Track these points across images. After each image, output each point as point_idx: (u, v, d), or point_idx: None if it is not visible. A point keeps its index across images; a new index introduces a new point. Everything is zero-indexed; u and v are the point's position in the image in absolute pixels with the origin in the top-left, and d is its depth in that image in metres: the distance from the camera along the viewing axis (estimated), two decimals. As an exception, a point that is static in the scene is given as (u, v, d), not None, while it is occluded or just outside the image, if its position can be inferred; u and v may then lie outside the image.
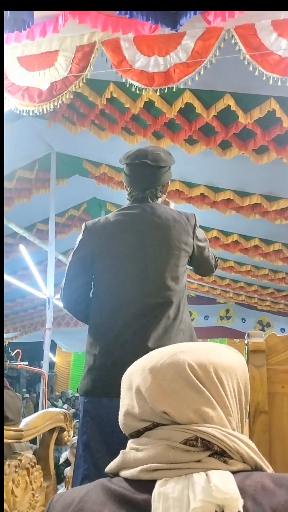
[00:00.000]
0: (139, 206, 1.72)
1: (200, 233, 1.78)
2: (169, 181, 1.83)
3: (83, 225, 1.78)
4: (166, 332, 1.58)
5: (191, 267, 1.85)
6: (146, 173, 1.72)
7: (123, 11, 2.25)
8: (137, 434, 0.72)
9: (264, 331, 9.52)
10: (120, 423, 0.75)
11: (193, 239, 1.72)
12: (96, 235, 1.71)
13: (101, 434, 1.52)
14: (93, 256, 1.70)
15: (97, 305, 1.69)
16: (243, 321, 10.03)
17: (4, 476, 1.40)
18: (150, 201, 1.74)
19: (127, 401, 0.74)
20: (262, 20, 2.37)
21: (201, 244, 1.77)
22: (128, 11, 2.24)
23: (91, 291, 1.75)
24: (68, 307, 1.78)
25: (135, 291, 1.62)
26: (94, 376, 1.58)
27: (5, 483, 1.40)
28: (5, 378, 1.78)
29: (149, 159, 1.70)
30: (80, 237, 1.75)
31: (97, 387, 1.56)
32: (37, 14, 2.41)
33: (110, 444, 1.47)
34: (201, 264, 1.82)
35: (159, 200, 1.78)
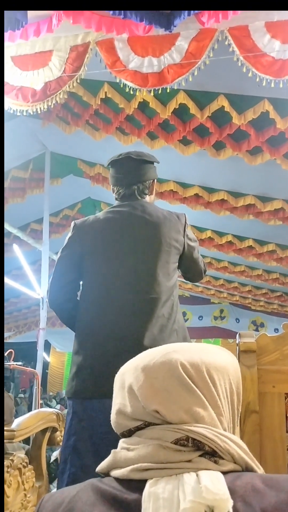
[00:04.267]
0: (129, 204, 1.73)
1: (190, 233, 1.78)
2: (155, 180, 1.83)
3: (73, 223, 1.77)
4: (160, 331, 1.56)
5: (180, 271, 1.83)
6: (130, 168, 1.73)
7: (117, 12, 2.25)
8: (129, 433, 0.72)
9: (258, 331, 9.56)
10: (112, 422, 0.75)
11: (184, 237, 1.72)
12: (86, 232, 1.71)
13: (91, 436, 1.49)
14: (82, 253, 1.69)
15: (87, 303, 1.67)
16: (237, 321, 10.06)
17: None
18: (139, 198, 1.74)
19: (119, 400, 0.74)
20: (256, 22, 2.38)
21: (191, 243, 1.77)
22: (122, 12, 2.24)
23: (79, 292, 1.74)
24: (53, 305, 1.76)
25: (126, 287, 1.60)
26: (84, 376, 1.55)
27: (-4, 483, 1.39)
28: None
29: (133, 154, 1.73)
30: (69, 234, 1.75)
31: (88, 388, 1.53)
32: (31, 14, 2.40)
33: (100, 446, 1.45)
34: (191, 266, 1.81)
35: (147, 199, 1.79)
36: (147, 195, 1.78)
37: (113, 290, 1.62)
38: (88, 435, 1.50)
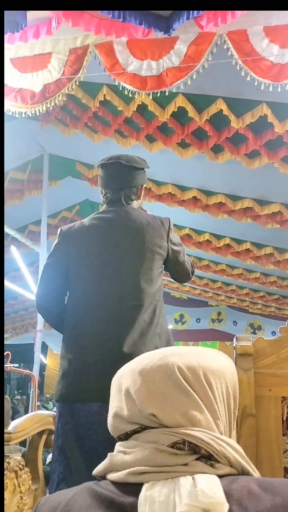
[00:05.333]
0: (114, 210, 1.74)
1: (174, 237, 1.79)
2: (143, 186, 1.84)
3: (59, 229, 1.79)
4: (141, 336, 1.56)
5: (167, 272, 1.85)
6: (120, 173, 1.74)
7: (116, 15, 2.26)
8: (125, 436, 0.72)
9: (255, 334, 9.57)
10: (108, 425, 0.75)
11: (168, 243, 1.73)
12: (71, 239, 1.73)
13: (75, 438, 1.51)
14: (68, 260, 1.71)
15: (72, 308, 1.69)
16: (235, 324, 10.07)
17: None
18: (125, 204, 1.75)
19: (116, 403, 0.74)
20: (254, 26, 2.40)
21: (175, 248, 1.77)
22: (121, 15, 2.25)
23: (66, 297, 1.75)
24: (40, 309, 1.78)
25: (109, 294, 1.62)
26: (69, 380, 1.57)
27: (-8, 486, 1.39)
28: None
29: (123, 160, 1.73)
30: (55, 241, 1.77)
31: (71, 392, 1.55)
32: (30, 16, 2.41)
33: (84, 448, 1.47)
34: (176, 269, 1.83)
35: (135, 205, 1.79)
36: (134, 201, 1.79)
37: (96, 297, 1.63)
38: (74, 437, 1.52)
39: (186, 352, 0.74)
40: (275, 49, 2.38)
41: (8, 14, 2.24)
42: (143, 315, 1.60)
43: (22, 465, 1.58)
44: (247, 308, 9.44)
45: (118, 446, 0.72)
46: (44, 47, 2.73)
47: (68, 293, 1.74)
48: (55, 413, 1.81)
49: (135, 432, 0.71)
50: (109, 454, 0.71)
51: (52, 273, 1.73)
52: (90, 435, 1.46)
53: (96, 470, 0.71)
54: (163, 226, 1.74)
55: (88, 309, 1.63)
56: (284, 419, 1.36)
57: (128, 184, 1.75)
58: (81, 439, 1.49)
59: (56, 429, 1.60)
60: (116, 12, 2.26)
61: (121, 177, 1.75)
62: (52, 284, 1.73)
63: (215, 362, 0.74)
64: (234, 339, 1.46)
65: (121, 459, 0.68)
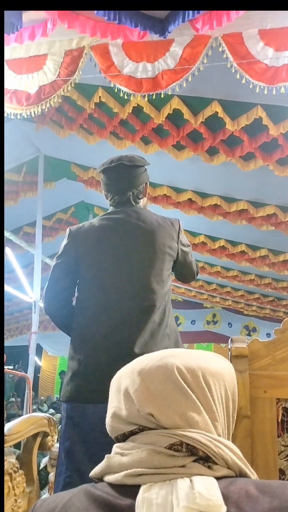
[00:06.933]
0: (123, 210, 1.73)
1: (184, 238, 1.79)
2: (148, 183, 1.84)
3: (68, 229, 1.78)
4: (152, 336, 1.57)
5: (173, 273, 1.85)
6: (124, 174, 1.74)
7: (111, 17, 2.26)
8: (123, 437, 0.72)
9: (250, 336, 9.59)
10: (107, 426, 0.75)
11: (178, 244, 1.73)
12: (81, 239, 1.71)
13: (84, 440, 1.50)
14: (77, 260, 1.69)
15: (82, 309, 1.67)
16: (230, 325, 10.08)
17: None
18: (134, 204, 1.75)
19: (115, 403, 0.74)
20: (249, 29, 2.41)
21: (185, 249, 1.78)
22: (117, 17, 2.26)
23: (74, 297, 1.74)
24: (48, 311, 1.76)
25: (120, 295, 1.61)
26: (79, 381, 1.56)
27: (-14, 489, 1.38)
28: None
29: (125, 160, 1.73)
30: (64, 241, 1.75)
31: (82, 393, 1.54)
32: (26, 18, 2.41)
33: (93, 451, 1.45)
34: (184, 270, 1.83)
35: (141, 203, 1.79)
36: (141, 199, 1.79)
37: (107, 298, 1.62)
38: (82, 440, 1.51)
39: (186, 354, 0.75)
40: (270, 52, 2.39)
41: (4, 16, 2.24)
42: (154, 315, 1.60)
43: (17, 467, 1.57)
44: (242, 310, 9.45)
45: (116, 447, 0.72)
46: (40, 48, 2.72)
47: (77, 294, 1.73)
48: (51, 416, 1.80)
49: (132, 433, 0.71)
50: (106, 455, 0.71)
51: (61, 274, 1.72)
52: (99, 438, 1.44)
53: (93, 472, 0.71)
54: (174, 227, 1.74)
55: (99, 310, 1.61)
56: (279, 420, 1.36)
57: (134, 184, 1.75)
58: (91, 442, 1.48)
59: (63, 432, 1.58)
60: (112, 14, 2.26)
61: (127, 178, 1.74)
62: (61, 285, 1.72)
63: (214, 364, 0.74)
64: (229, 341, 1.46)
65: (119, 460, 0.68)
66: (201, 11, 2.23)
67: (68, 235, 1.75)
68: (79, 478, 1.45)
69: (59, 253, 1.75)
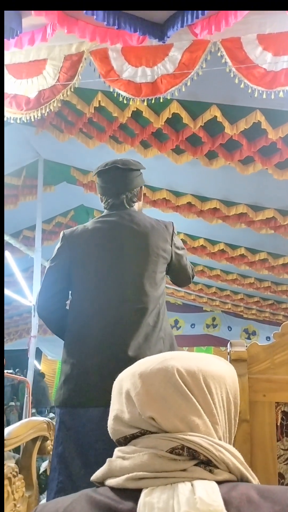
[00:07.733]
0: (117, 213, 1.73)
1: (178, 241, 1.79)
2: (143, 187, 1.84)
3: (61, 233, 1.79)
4: (146, 340, 1.55)
5: (168, 276, 1.84)
6: (118, 177, 1.74)
7: (111, 22, 2.28)
8: (125, 441, 0.72)
9: (250, 339, 9.58)
10: (108, 428, 0.75)
11: (171, 246, 1.73)
12: (74, 242, 1.72)
13: (77, 445, 1.48)
14: (71, 263, 1.70)
15: (75, 312, 1.67)
16: (229, 329, 10.07)
17: (-15, 486, 1.39)
18: (128, 207, 1.75)
19: (117, 406, 0.74)
20: (248, 34, 2.42)
21: (179, 251, 1.78)
22: (116, 23, 2.27)
23: (67, 301, 1.74)
24: (41, 314, 1.76)
25: (113, 297, 1.61)
26: (72, 385, 1.54)
27: (-15, 493, 1.38)
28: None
29: (119, 163, 1.73)
30: (58, 245, 1.76)
31: (74, 397, 1.52)
32: (26, 23, 2.42)
33: (86, 456, 1.44)
34: (179, 273, 1.83)
35: (136, 207, 1.79)
36: (136, 203, 1.79)
37: (101, 301, 1.62)
38: (75, 444, 1.49)
39: (187, 357, 0.74)
40: (269, 57, 2.40)
41: (4, 19, 2.25)
42: (147, 318, 1.59)
43: (16, 472, 1.57)
44: (241, 314, 9.45)
45: (117, 451, 0.72)
46: (39, 53, 2.74)
47: (70, 297, 1.72)
48: (50, 420, 1.80)
49: (134, 437, 0.71)
50: (108, 459, 0.71)
51: (54, 277, 1.72)
52: (92, 443, 1.43)
53: (95, 476, 0.71)
54: (167, 230, 1.74)
55: (92, 312, 1.61)
56: (278, 424, 1.36)
57: (128, 187, 1.75)
58: (83, 446, 1.46)
59: (56, 436, 1.56)
60: (111, 19, 2.27)
61: (121, 181, 1.74)
62: (54, 289, 1.72)
63: (215, 367, 0.74)
64: (228, 345, 1.46)
65: (120, 464, 0.68)
66: (200, 16, 2.24)
67: (62, 238, 1.76)
68: (72, 483, 1.43)
69: (52, 256, 1.75)
